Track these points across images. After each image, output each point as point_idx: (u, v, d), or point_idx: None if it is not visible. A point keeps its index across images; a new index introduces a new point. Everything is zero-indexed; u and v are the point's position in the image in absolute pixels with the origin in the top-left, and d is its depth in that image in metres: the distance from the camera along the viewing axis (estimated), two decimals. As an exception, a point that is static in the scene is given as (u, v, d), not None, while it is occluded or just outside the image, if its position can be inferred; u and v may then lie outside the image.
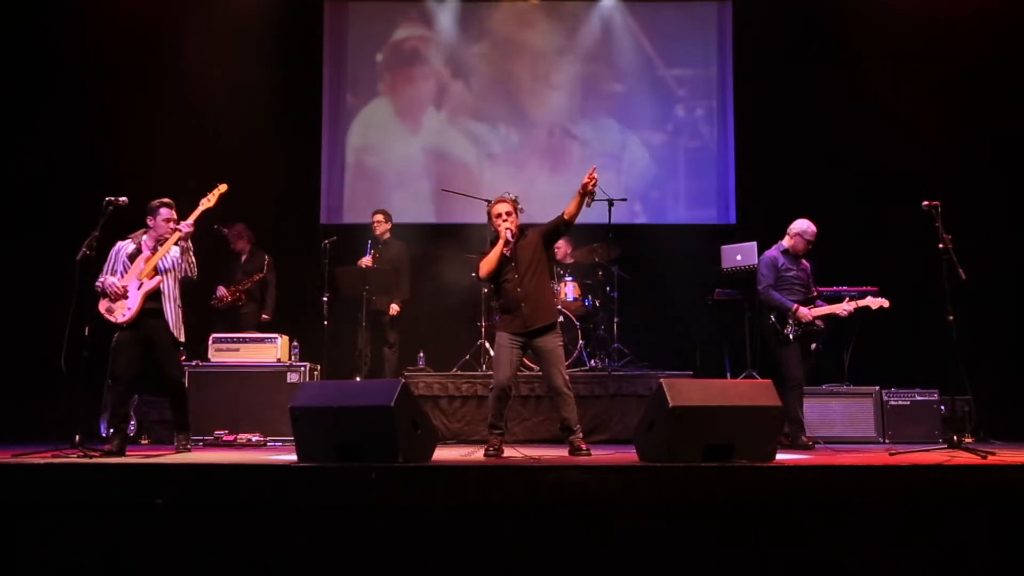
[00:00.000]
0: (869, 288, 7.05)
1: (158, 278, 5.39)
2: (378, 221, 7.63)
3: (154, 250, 5.45)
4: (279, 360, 6.78)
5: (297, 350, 7.04)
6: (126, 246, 5.54)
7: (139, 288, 5.36)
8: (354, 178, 8.97)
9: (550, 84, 8.99)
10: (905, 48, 8.20)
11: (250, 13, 8.45)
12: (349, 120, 9.01)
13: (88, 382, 5.05)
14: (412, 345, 7.70)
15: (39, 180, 8.06)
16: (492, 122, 8.98)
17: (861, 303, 5.98)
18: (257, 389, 6.55)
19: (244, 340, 6.84)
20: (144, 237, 5.53)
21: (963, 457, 4.49)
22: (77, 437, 4.79)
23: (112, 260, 5.50)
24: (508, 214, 5.20)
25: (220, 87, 8.31)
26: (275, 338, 6.88)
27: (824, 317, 5.99)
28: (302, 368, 6.69)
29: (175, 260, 5.47)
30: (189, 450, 5.57)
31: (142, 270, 5.41)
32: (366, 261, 7.38)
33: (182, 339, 5.54)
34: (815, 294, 6.16)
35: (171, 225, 5.45)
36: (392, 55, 9.05)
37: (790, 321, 5.95)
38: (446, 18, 8.99)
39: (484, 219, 7.51)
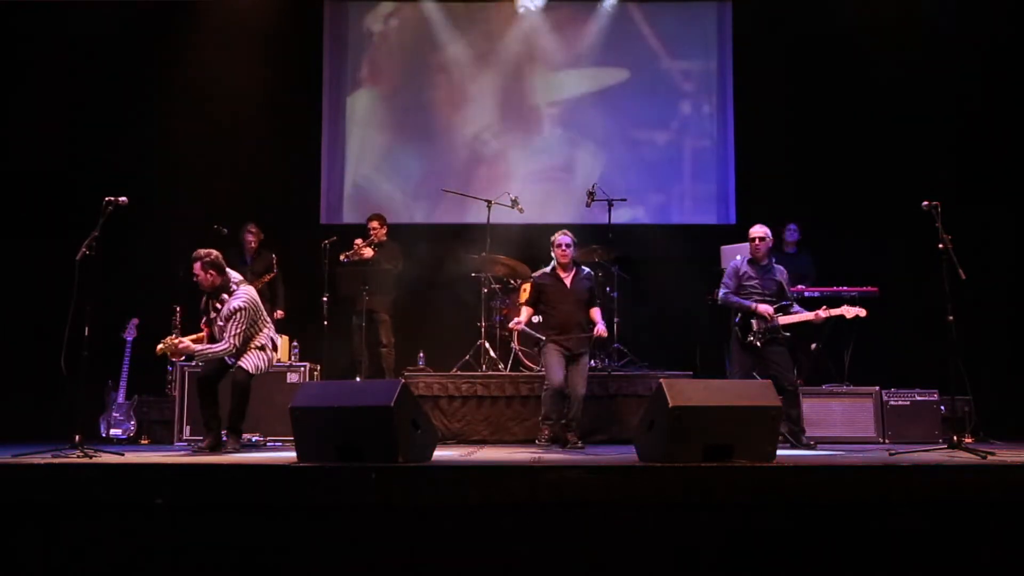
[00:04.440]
0: (869, 288, 7.07)
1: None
2: (374, 228, 7.62)
3: (207, 310, 5.59)
4: (279, 360, 6.77)
5: (297, 350, 7.04)
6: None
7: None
8: (354, 178, 8.97)
9: (549, 82, 8.98)
10: (905, 47, 8.20)
11: (250, 13, 8.45)
12: (349, 120, 9.01)
13: (88, 382, 5.05)
14: (412, 345, 7.70)
15: (37, 181, 8.07)
16: (493, 121, 8.97)
17: (835, 311, 5.97)
18: (257, 389, 6.52)
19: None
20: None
21: (963, 457, 4.50)
22: (77, 437, 4.78)
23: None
24: (568, 246, 6.12)
25: (220, 87, 8.33)
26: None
27: (794, 325, 6.01)
28: (302, 368, 6.69)
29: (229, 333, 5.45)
30: (237, 450, 5.52)
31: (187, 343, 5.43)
32: (362, 244, 7.39)
33: (268, 369, 5.71)
34: (789, 301, 6.11)
35: (196, 278, 5.52)
36: (392, 55, 9.04)
37: (753, 326, 5.94)
38: (447, 18, 8.99)
39: (484, 219, 7.55)
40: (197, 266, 5.45)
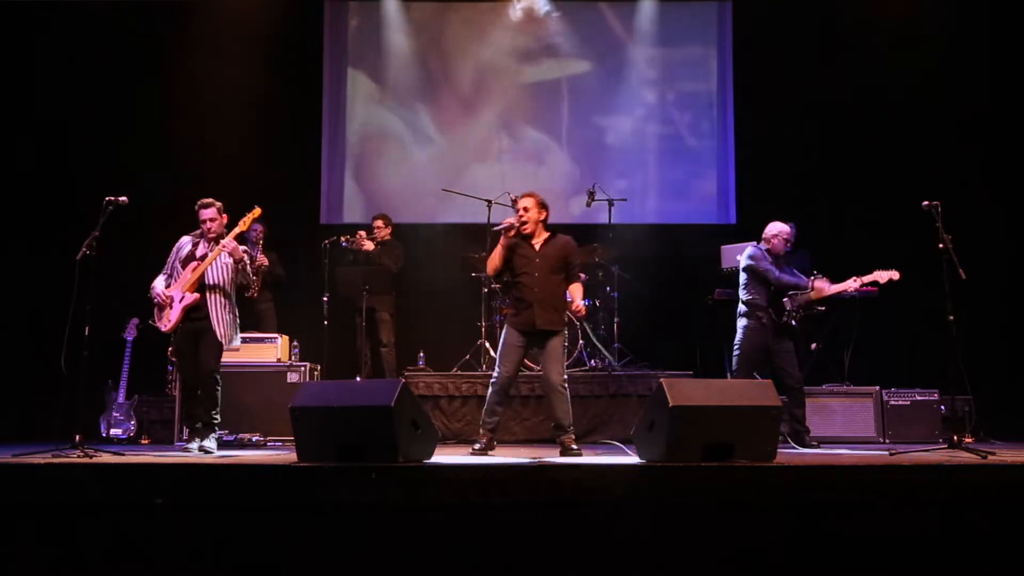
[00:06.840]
0: (869, 288, 7.05)
1: (196, 295, 5.40)
2: (378, 227, 7.63)
3: (203, 257, 5.48)
4: (279, 360, 6.78)
5: (297, 350, 7.03)
6: (185, 245, 5.58)
7: (180, 300, 5.42)
8: (354, 178, 8.97)
9: (550, 82, 8.98)
10: (906, 47, 8.20)
11: (250, 13, 8.45)
12: (349, 120, 9.00)
13: (88, 382, 5.05)
14: (412, 345, 7.70)
15: (37, 181, 8.07)
16: (494, 121, 8.97)
17: (868, 278, 5.82)
18: (257, 389, 6.55)
19: (244, 340, 6.81)
20: (201, 238, 5.58)
21: (963, 457, 4.50)
22: (77, 437, 4.78)
23: (172, 258, 5.58)
24: (526, 209, 5.31)
25: (220, 87, 8.32)
26: (275, 338, 6.88)
27: (828, 300, 5.93)
28: (302, 368, 6.69)
29: (222, 275, 5.47)
30: (211, 452, 5.38)
31: (187, 280, 5.44)
32: (364, 235, 7.38)
33: (229, 344, 5.56)
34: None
35: (206, 225, 5.50)
36: (392, 55, 9.02)
37: (787, 305, 5.85)
38: (447, 18, 8.99)
39: (484, 219, 7.54)
40: (213, 211, 5.52)
